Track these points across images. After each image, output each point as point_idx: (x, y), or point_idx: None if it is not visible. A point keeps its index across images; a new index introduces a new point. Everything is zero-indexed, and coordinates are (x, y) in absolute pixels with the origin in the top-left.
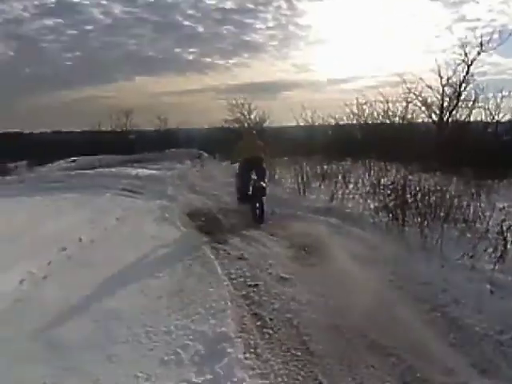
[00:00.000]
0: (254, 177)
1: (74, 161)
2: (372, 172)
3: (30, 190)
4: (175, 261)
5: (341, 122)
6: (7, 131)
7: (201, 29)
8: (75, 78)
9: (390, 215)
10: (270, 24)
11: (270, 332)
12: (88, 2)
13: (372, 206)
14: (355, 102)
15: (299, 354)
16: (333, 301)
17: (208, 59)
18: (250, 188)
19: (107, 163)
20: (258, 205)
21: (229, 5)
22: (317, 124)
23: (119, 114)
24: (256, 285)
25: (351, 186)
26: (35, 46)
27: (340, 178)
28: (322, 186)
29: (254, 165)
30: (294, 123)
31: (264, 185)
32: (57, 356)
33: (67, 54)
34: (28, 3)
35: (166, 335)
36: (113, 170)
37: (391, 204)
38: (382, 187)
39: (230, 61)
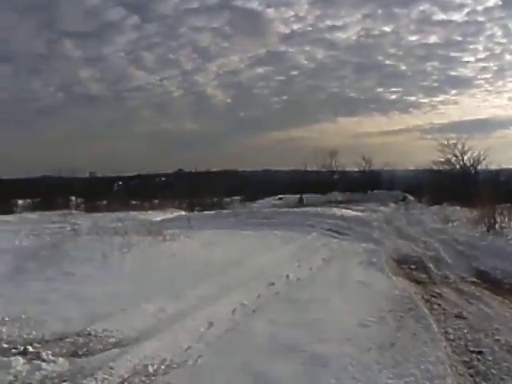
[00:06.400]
0: None
1: (281, 198)
2: None
3: (242, 224)
4: (385, 311)
5: None
6: (224, 169)
7: (403, 67)
8: (282, 120)
9: None
10: (481, 55)
11: None
12: (294, 50)
13: None
14: None
15: None
16: None
17: (411, 98)
18: None
19: (312, 202)
20: None
21: (433, 39)
22: None
23: (324, 154)
24: (480, 352)
25: None
26: (248, 92)
27: None
28: None
29: None
30: None
31: None
32: None
33: (275, 98)
34: (243, 56)
35: None
36: (318, 209)
37: None
38: None
39: (436, 98)
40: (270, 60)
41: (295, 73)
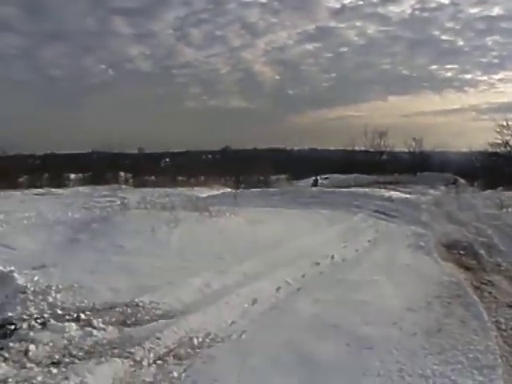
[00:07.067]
0: None
1: (327, 178)
2: None
3: (288, 203)
4: (432, 296)
5: None
6: (271, 147)
7: (460, 42)
8: (331, 98)
9: None
10: None
11: None
12: (344, 25)
13: None
14: None
15: None
16: None
17: (468, 75)
18: None
19: (360, 182)
20: None
21: (496, 11)
22: None
23: (373, 134)
24: None
25: None
26: (297, 69)
27: None
28: None
29: None
30: None
31: None
32: (309, 373)
33: (324, 75)
34: (292, 32)
35: (421, 379)
36: (366, 190)
37: None
38: None
39: (495, 76)
40: (319, 36)
41: (345, 49)
